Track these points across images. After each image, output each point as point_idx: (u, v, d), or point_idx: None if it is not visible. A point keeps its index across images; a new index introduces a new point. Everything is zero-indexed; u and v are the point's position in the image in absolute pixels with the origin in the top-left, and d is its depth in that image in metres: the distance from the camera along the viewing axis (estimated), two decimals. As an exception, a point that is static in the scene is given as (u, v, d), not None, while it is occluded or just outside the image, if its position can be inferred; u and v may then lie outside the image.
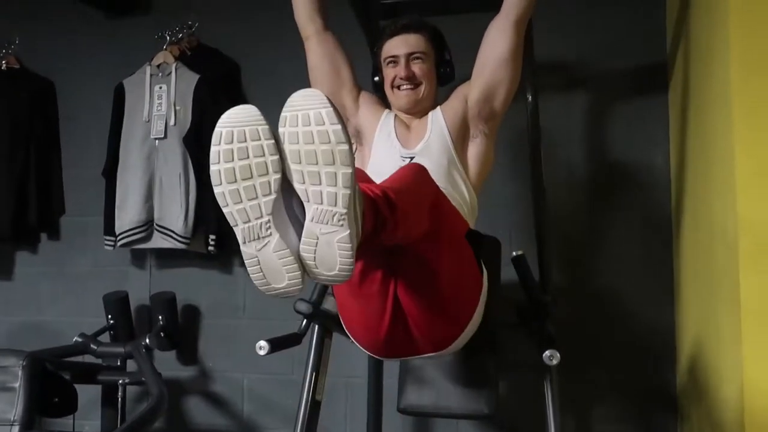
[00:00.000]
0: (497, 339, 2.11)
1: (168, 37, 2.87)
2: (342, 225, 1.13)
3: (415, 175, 1.48)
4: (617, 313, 2.50)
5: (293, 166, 1.14)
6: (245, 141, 1.13)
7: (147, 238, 2.79)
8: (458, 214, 1.70)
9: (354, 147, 1.97)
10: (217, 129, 1.14)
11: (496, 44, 1.85)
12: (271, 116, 2.99)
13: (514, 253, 1.89)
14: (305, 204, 1.15)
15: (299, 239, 1.16)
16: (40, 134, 3.05)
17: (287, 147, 1.14)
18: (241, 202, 1.15)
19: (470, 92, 1.91)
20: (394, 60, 1.93)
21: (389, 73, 1.95)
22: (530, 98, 2.25)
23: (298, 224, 1.17)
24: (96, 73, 3.06)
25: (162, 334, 2.73)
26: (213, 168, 1.15)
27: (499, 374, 2.10)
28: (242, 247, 1.16)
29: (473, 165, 1.92)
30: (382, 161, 1.91)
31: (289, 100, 1.14)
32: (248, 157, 1.13)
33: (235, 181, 1.14)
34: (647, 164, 2.52)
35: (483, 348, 1.99)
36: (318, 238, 1.14)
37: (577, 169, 2.59)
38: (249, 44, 2.93)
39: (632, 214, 2.52)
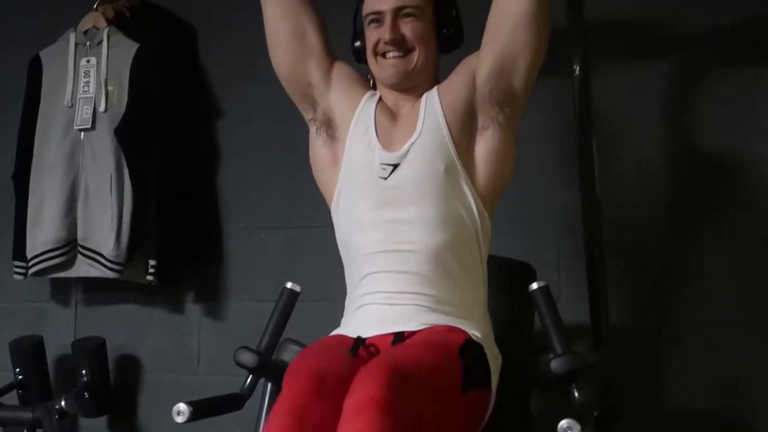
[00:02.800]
0: (528, 404, 2.15)
1: (100, -6, 2.93)
2: None
3: None
4: (709, 377, 2.44)
5: None
6: None
7: (68, 263, 2.83)
8: (442, 386, 1.65)
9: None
10: None
11: None
12: (235, 93, 2.98)
13: (534, 285, 1.85)
14: None
15: None
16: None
17: None
18: None
19: (479, 65, 1.88)
20: (377, 18, 1.92)
21: (371, 35, 1.93)
22: (577, 70, 2.27)
23: None
24: (7, 42, 3.15)
25: (86, 394, 2.75)
26: None
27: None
28: None
29: (483, 168, 1.88)
30: (356, 171, 1.92)
31: None
32: None
33: None
34: (752, 160, 2.48)
35: (509, 418, 1.99)
36: None
37: (650, 167, 2.55)
38: (207, 2, 2.98)
39: (732, 231, 2.48)
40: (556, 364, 1.77)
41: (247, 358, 1.91)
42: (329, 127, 1.99)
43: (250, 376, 1.97)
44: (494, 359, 1.80)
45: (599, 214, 2.24)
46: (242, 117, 2.97)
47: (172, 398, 2.74)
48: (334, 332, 1.92)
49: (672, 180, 2.55)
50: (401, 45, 1.90)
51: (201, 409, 1.82)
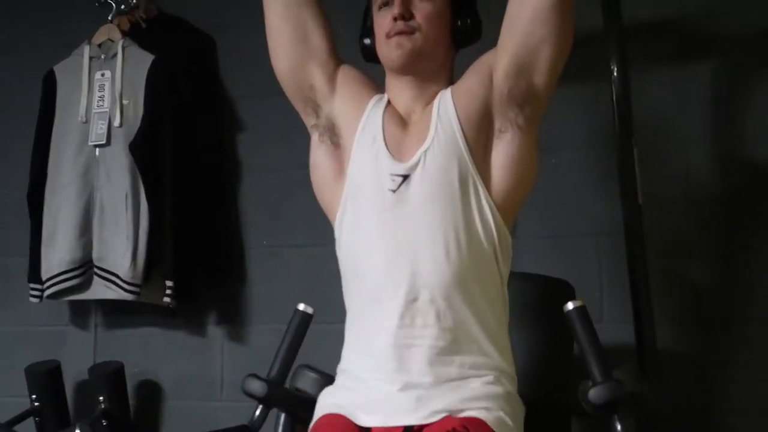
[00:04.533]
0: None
1: (114, 5, 2.91)
2: None
3: None
4: (761, 405, 2.40)
5: None
6: None
7: (84, 285, 2.82)
8: None
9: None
10: None
11: None
12: (256, 106, 2.95)
13: (570, 305, 1.78)
14: None
15: None
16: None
17: None
18: None
19: (497, 61, 1.80)
20: (387, 1, 1.86)
21: (382, 21, 1.87)
22: (615, 71, 2.21)
23: None
24: (20, 56, 3.16)
25: (104, 422, 2.72)
26: None
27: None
28: None
29: (501, 176, 1.78)
30: (363, 183, 1.83)
31: None
32: None
33: None
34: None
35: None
36: None
37: (695, 174, 2.52)
38: (229, 10, 2.96)
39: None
40: (594, 394, 1.71)
41: (256, 387, 1.86)
42: (333, 133, 1.90)
43: (260, 406, 1.93)
44: (517, 418, 1.69)
45: (642, 227, 2.16)
46: (263, 131, 2.94)
47: (195, 427, 2.85)
48: (331, 397, 1.79)
49: (719, 189, 2.51)
50: (409, 20, 1.82)
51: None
